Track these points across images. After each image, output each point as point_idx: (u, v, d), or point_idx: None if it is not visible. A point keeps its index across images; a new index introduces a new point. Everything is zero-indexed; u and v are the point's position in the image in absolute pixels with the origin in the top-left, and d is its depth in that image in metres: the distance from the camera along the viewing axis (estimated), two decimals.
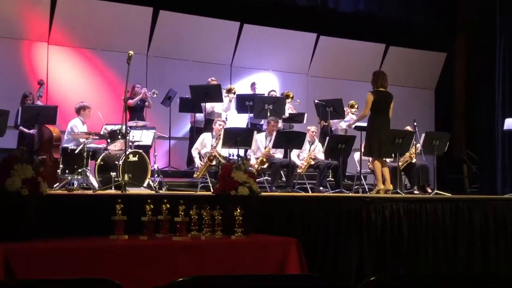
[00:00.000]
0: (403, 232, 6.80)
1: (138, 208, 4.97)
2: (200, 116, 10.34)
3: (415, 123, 9.46)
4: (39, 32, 10.63)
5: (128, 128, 8.05)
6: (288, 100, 10.72)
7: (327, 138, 9.38)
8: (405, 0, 13.13)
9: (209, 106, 10.11)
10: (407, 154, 9.57)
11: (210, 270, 4.59)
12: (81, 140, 8.60)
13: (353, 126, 9.39)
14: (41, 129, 8.73)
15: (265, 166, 9.12)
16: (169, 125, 10.54)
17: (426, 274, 6.37)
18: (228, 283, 2.55)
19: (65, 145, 8.77)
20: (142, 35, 11.36)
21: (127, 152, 7.57)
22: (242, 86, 11.80)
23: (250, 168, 5.93)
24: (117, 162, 7.88)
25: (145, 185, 7.88)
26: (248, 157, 9.09)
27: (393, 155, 8.76)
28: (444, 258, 7.03)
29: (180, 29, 11.63)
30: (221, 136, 8.64)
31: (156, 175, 8.87)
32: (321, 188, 9.26)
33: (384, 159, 8.45)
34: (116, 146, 8.26)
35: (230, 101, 10.27)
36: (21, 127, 8.94)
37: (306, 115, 10.90)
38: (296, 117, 10.80)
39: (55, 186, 7.92)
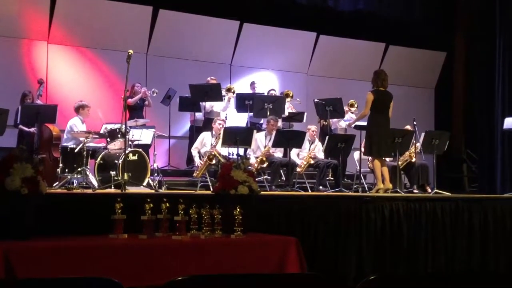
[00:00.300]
0: (402, 231, 6.80)
1: (138, 207, 4.97)
2: (199, 115, 10.35)
3: (414, 122, 9.46)
4: (39, 31, 10.63)
5: (128, 127, 8.05)
6: (288, 99, 10.72)
7: (327, 137, 9.38)
8: None
9: (208, 105, 10.11)
10: (407, 153, 9.57)
11: (209, 269, 4.59)
12: (81, 139, 8.59)
13: (353, 125, 9.39)
14: (41, 128, 8.73)
15: (264, 165, 9.13)
16: (169, 124, 10.54)
17: (426, 273, 6.38)
18: (228, 282, 2.55)
19: (65, 144, 8.77)
20: (142, 34, 11.36)
21: (127, 151, 7.56)
22: (241, 85, 11.80)
23: (249, 167, 5.93)
24: (116, 161, 7.87)
25: (144, 184, 7.88)
26: (248, 156, 9.09)
27: (392, 154, 8.76)
28: (444, 257, 7.03)
29: (180, 28, 11.63)
30: (221, 135, 8.64)
31: (155, 174, 8.88)
32: (320, 187, 9.26)
33: (383, 158, 8.45)
34: (115, 145, 8.26)
35: (229, 100, 10.27)
36: (20, 126, 8.94)
37: (305, 114, 10.91)
38: (296, 116, 10.80)
39: (54, 185, 7.92)
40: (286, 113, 10.45)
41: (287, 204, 6.29)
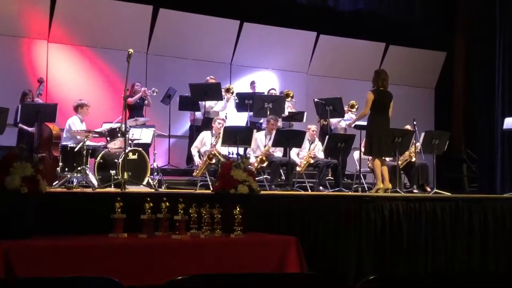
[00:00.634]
0: (402, 231, 6.80)
1: (138, 206, 4.97)
2: (199, 114, 10.35)
3: (414, 122, 9.46)
4: (39, 30, 10.63)
5: (128, 126, 8.05)
6: (288, 99, 10.72)
7: (327, 137, 9.38)
8: None
9: (207, 104, 10.11)
10: (407, 153, 9.57)
11: (209, 269, 4.59)
12: (79, 137, 8.59)
13: (353, 125, 9.39)
14: (41, 127, 8.73)
15: (264, 164, 9.13)
16: (169, 123, 10.54)
17: (425, 273, 6.38)
18: (227, 282, 2.55)
19: (65, 143, 8.77)
20: (142, 33, 11.35)
21: (127, 150, 7.56)
22: (241, 85, 11.81)
23: (249, 166, 5.93)
24: (116, 160, 7.87)
25: (144, 183, 7.88)
26: (248, 155, 9.09)
27: (392, 154, 8.76)
28: (443, 257, 7.03)
29: (180, 28, 11.63)
30: (221, 135, 8.64)
31: (155, 173, 8.88)
32: (320, 187, 9.26)
33: (383, 158, 8.45)
34: (115, 144, 8.25)
35: (228, 100, 10.26)
36: (20, 124, 8.94)
37: (305, 113, 10.90)
38: (296, 116, 10.80)
39: (54, 184, 7.92)
40: (286, 113, 10.45)
41: (287, 204, 6.28)
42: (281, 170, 9.38)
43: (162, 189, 7.89)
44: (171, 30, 11.56)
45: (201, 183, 8.87)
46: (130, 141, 8.25)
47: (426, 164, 9.87)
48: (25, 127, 8.95)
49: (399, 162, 9.08)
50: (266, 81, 12.06)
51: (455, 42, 13.77)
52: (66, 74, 10.89)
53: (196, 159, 9.26)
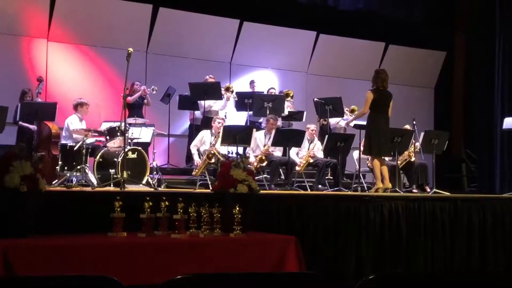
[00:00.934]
0: (401, 231, 6.80)
1: (137, 205, 4.97)
2: (199, 113, 10.35)
3: (414, 122, 9.46)
4: (39, 29, 10.63)
5: (127, 125, 8.05)
6: (288, 99, 10.72)
7: (326, 136, 9.38)
8: None
9: (207, 104, 10.11)
10: (406, 152, 9.58)
11: (208, 268, 4.59)
12: (75, 136, 8.58)
13: (352, 124, 9.39)
14: (40, 125, 8.73)
15: (264, 164, 9.13)
16: (168, 123, 10.54)
17: (425, 273, 6.38)
18: (227, 281, 2.55)
19: (64, 142, 8.77)
20: (142, 32, 11.35)
21: (126, 149, 7.56)
22: (241, 84, 11.80)
23: (249, 166, 5.93)
24: (116, 159, 7.87)
25: (144, 182, 7.88)
26: (247, 155, 9.09)
27: (392, 153, 8.76)
28: (443, 257, 7.03)
29: (179, 27, 11.62)
30: (220, 134, 8.64)
31: (155, 172, 8.87)
32: (320, 186, 9.26)
33: (383, 157, 8.45)
34: (115, 143, 8.25)
35: (228, 99, 10.26)
36: (20, 122, 8.93)
37: (305, 113, 10.91)
38: (295, 115, 10.80)
39: (54, 182, 7.91)
40: (286, 112, 10.45)
41: (286, 203, 6.28)
42: (280, 170, 9.38)
43: (162, 188, 7.88)
44: (171, 29, 11.55)
45: (201, 182, 8.87)
46: (129, 140, 8.25)
47: (426, 164, 9.88)
48: (26, 124, 8.94)
49: (399, 162, 9.09)
50: (266, 81, 12.06)
51: (455, 42, 13.78)
52: (66, 73, 10.88)
53: (196, 158, 9.26)
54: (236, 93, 10.39)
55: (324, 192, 8.64)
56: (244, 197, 5.21)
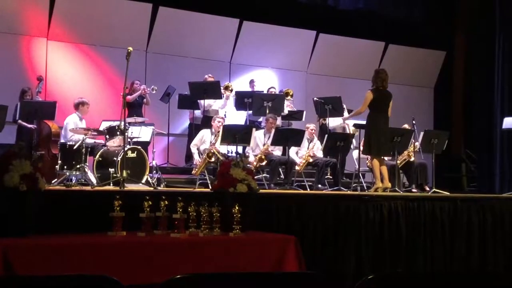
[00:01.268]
0: (401, 230, 6.80)
1: (136, 204, 4.97)
2: (199, 112, 10.35)
3: (414, 122, 9.46)
4: (38, 28, 10.62)
5: (127, 124, 8.04)
6: (287, 98, 10.71)
7: (326, 135, 9.37)
8: None
9: (206, 103, 10.10)
10: (406, 152, 9.57)
11: (208, 267, 4.59)
12: (76, 135, 8.58)
13: (347, 120, 9.39)
14: (40, 124, 8.72)
15: (263, 163, 9.12)
16: (168, 122, 10.54)
17: (424, 272, 6.38)
18: (226, 281, 2.55)
19: (64, 141, 8.77)
20: (142, 32, 11.35)
21: (126, 149, 7.56)
22: (241, 83, 11.80)
23: (248, 165, 5.93)
24: (115, 158, 7.87)
25: (143, 181, 7.88)
26: (247, 154, 9.09)
27: (391, 153, 8.76)
28: (442, 257, 7.03)
29: (179, 26, 11.62)
30: (220, 133, 8.64)
31: (154, 171, 8.87)
32: (319, 185, 9.26)
33: (382, 157, 8.45)
34: (114, 142, 8.25)
35: (227, 98, 10.26)
36: (19, 121, 8.93)
37: (305, 112, 10.91)
38: (295, 115, 10.80)
39: (53, 182, 7.91)
40: (285, 112, 10.45)
41: (286, 203, 6.28)
42: (280, 169, 9.37)
43: (161, 188, 7.88)
44: (171, 28, 11.55)
45: (200, 181, 8.86)
46: (129, 139, 8.25)
47: (425, 164, 9.87)
48: (25, 124, 8.94)
49: (398, 162, 9.08)
50: (266, 80, 12.06)
51: (455, 42, 13.78)
52: (65, 72, 10.88)
53: (195, 157, 9.26)
54: (236, 92, 10.38)
55: (324, 191, 8.64)
56: (244, 197, 5.21)
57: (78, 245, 4.39)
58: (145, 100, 10.29)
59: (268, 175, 9.25)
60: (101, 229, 4.82)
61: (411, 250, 6.85)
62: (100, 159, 8.09)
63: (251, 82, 11.41)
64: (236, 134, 8.50)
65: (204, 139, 9.26)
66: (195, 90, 9.82)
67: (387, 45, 13.45)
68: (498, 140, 11.71)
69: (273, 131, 9.25)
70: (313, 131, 10.09)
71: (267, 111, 9.62)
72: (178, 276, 2.44)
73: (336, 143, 9.07)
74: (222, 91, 10.10)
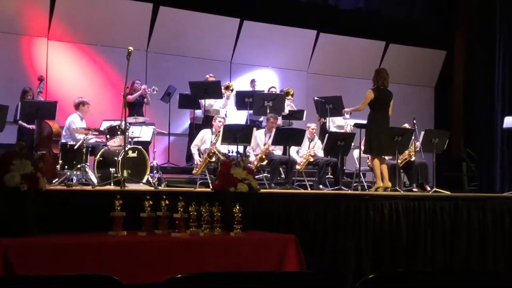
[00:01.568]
0: (401, 230, 6.80)
1: (137, 204, 4.97)
2: (199, 112, 10.35)
3: (414, 121, 9.46)
4: (39, 28, 10.63)
5: (128, 124, 8.05)
6: (288, 97, 10.71)
7: (326, 135, 9.38)
8: None
9: (207, 102, 10.11)
10: (406, 152, 9.57)
11: (208, 267, 4.60)
12: (79, 136, 8.58)
13: (347, 120, 9.39)
14: (41, 124, 8.73)
15: (264, 163, 9.12)
16: (169, 121, 10.54)
17: (425, 272, 6.37)
18: (227, 280, 2.55)
19: (64, 141, 8.77)
20: (142, 31, 11.35)
21: (126, 148, 7.56)
22: (241, 83, 11.80)
23: (249, 165, 5.94)
24: (116, 158, 7.87)
25: (144, 181, 7.88)
26: (248, 154, 9.10)
27: (392, 152, 8.76)
28: (443, 256, 7.03)
29: (180, 26, 11.62)
30: (221, 133, 8.64)
31: (155, 171, 8.87)
32: (320, 185, 9.26)
33: (383, 156, 8.45)
34: (115, 142, 8.25)
35: (228, 98, 10.25)
36: (20, 122, 8.94)
37: (305, 112, 10.91)
38: (296, 114, 10.80)
39: (54, 181, 7.92)
40: (286, 111, 10.45)
41: (286, 202, 6.28)
42: (280, 169, 9.37)
43: (162, 187, 7.89)
44: (171, 28, 11.55)
45: (201, 181, 8.87)
46: (129, 139, 8.25)
47: (426, 163, 9.87)
48: (25, 124, 8.95)
49: (399, 161, 9.08)
50: (266, 79, 12.06)
51: (455, 41, 13.77)
52: (66, 71, 10.88)
53: (196, 157, 9.26)
54: (237, 92, 10.38)
55: (325, 191, 8.64)
56: (244, 196, 5.21)
57: (78, 245, 4.40)
58: (145, 100, 10.29)
59: (268, 175, 9.25)
60: (102, 228, 4.83)
61: (412, 250, 6.85)
62: (101, 159, 8.10)
63: (252, 81, 11.41)
64: (237, 134, 8.50)
65: (205, 139, 9.27)
66: (195, 90, 9.82)
67: (388, 44, 13.45)
68: (499, 139, 11.71)
69: (273, 130, 9.25)
70: (314, 130, 10.09)
71: (268, 111, 9.62)
72: (179, 276, 2.44)
73: (337, 143, 9.07)
74: (223, 90, 10.10)
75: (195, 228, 4.99)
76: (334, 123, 10.46)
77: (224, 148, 9.09)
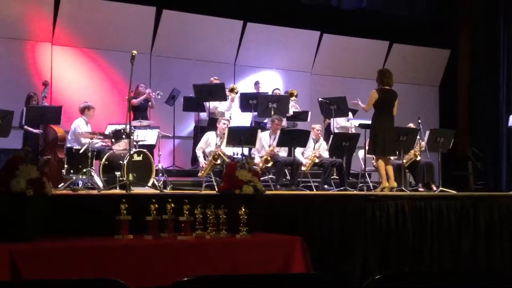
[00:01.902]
0: (407, 230, 6.78)
1: (143, 207, 4.97)
2: (204, 115, 10.35)
3: (419, 120, 9.45)
4: (43, 33, 10.66)
5: (132, 127, 8.06)
6: (292, 98, 10.71)
7: (331, 136, 9.37)
8: None
9: (212, 105, 10.12)
10: (412, 151, 9.56)
11: (215, 269, 4.59)
12: (84, 140, 8.60)
13: (352, 121, 9.41)
14: (46, 129, 8.75)
15: (269, 164, 9.12)
16: (173, 124, 10.55)
17: (431, 272, 6.36)
18: (233, 283, 2.55)
19: (70, 145, 8.79)
20: (146, 35, 11.37)
21: (132, 152, 7.57)
22: (245, 85, 11.81)
23: (254, 166, 5.94)
24: (121, 162, 7.88)
25: (149, 184, 7.89)
26: (253, 155, 9.09)
27: (397, 152, 8.74)
28: (449, 256, 7.01)
29: (183, 28, 11.63)
30: (226, 135, 8.64)
31: (160, 174, 8.88)
32: (325, 186, 9.25)
33: (388, 156, 8.43)
34: (120, 146, 8.27)
35: (232, 100, 10.26)
36: (25, 127, 8.96)
37: (310, 113, 10.90)
38: (300, 115, 10.80)
39: (60, 186, 7.93)
40: (291, 112, 10.44)
41: (292, 204, 6.28)
42: (286, 170, 9.37)
43: (167, 190, 7.89)
44: (175, 31, 11.57)
45: (206, 183, 8.86)
46: (134, 143, 8.26)
47: (431, 163, 9.85)
48: (31, 129, 8.98)
49: (404, 161, 9.07)
50: (270, 81, 12.06)
51: (459, 40, 13.74)
52: (70, 76, 10.91)
53: (201, 160, 9.26)
54: (241, 94, 10.39)
55: (330, 192, 8.63)
56: (250, 198, 5.21)
57: (85, 249, 4.40)
58: (150, 103, 10.31)
59: (274, 176, 9.25)
60: (108, 232, 4.83)
61: (418, 250, 6.83)
62: (106, 162, 8.11)
63: (256, 83, 11.41)
64: (242, 136, 8.50)
65: (209, 141, 9.27)
66: (200, 93, 9.82)
67: (392, 44, 13.43)
68: (504, 138, 11.70)
69: (278, 132, 9.25)
70: (319, 131, 10.09)
71: (272, 112, 9.62)
72: (185, 279, 2.44)
73: (342, 143, 9.06)
74: (228, 93, 10.10)
75: (201, 231, 4.98)
76: (338, 125, 10.45)
77: (229, 150, 9.09)
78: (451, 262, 6.99)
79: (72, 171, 8.25)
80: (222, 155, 8.81)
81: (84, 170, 8.10)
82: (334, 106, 9.78)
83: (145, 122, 9.26)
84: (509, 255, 7.33)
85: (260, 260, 4.85)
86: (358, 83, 12.44)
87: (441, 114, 14.05)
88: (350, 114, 10.46)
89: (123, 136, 8.18)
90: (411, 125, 9.66)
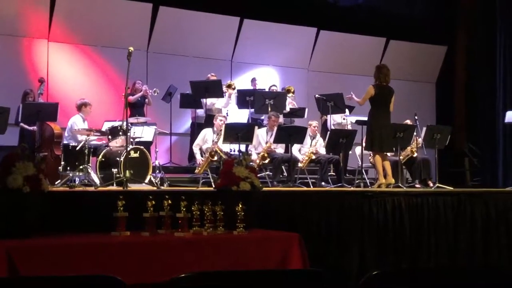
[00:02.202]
0: (404, 226, 6.79)
1: (140, 204, 4.97)
2: (201, 111, 10.34)
3: (416, 117, 9.45)
4: (39, 29, 10.63)
5: (129, 124, 8.05)
6: (289, 95, 10.71)
7: (328, 132, 9.37)
8: None
9: (209, 102, 10.11)
10: (408, 148, 9.57)
11: (212, 266, 4.60)
12: (81, 137, 8.59)
13: (348, 117, 9.39)
14: (42, 126, 8.73)
15: (266, 161, 9.13)
16: (170, 121, 10.55)
17: (428, 268, 6.37)
18: (230, 279, 2.55)
19: (66, 142, 8.77)
20: (142, 31, 11.35)
21: (128, 149, 7.56)
22: (242, 82, 11.80)
23: (251, 163, 5.93)
24: (118, 159, 7.88)
25: (146, 181, 7.88)
26: (249, 152, 9.09)
27: (394, 149, 8.75)
28: (446, 252, 7.02)
29: (180, 25, 11.62)
30: (222, 132, 8.64)
31: (157, 171, 8.87)
32: (322, 182, 9.26)
33: (385, 153, 8.44)
34: (117, 143, 8.26)
35: (229, 96, 10.26)
36: (21, 124, 8.94)
37: (307, 110, 10.90)
38: (297, 112, 10.80)
39: (56, 183, 7.91)
40: (287, 109, 10.44)
41: (289, 200, 6.28)
42: (283, 167, 9.37)
43: (164, 187, 7.89)
44: (171, 27, 11.55)
45: (203, 180, 8.87)
46: (131, 139, 8.25)
47: (428, 159, 9.87)
48: (26, 126, 8.96)
49: (401, 157, 9.07)
50: (267, 78, 12.05)
51: (456, 36, 13.75)
52: (67, 73, 10.89)
53: (198, 156, 9.26)
54: (238, 90, 10.39)
55: (327, 188, 8.64)
56: (247, 195, 5.21)
57: (82, 246, 4.40)
58: (147, 100, 10.29)
59: (271, 173, 9.25)
60: (105, 229, 4.83)
61: (415, 246, 6.84)
62: (103, 159, 8.10)
63: (253, 80, 11.41)
64: (238, 132, 8.49)
65: (206, 138, 9.27)
66: (196, 89, 9.82)
67: (388, 40, 13.44)
68: (501, 134, 11.71)
69: (275, 128, 9.25)
70: (316, 128, 10.09)
71: (269, 109, 9.63)
72: (182, 275, 2.44)
73: (339, 140, 9.06)
74: (225, 89, 10.10)
75: (198, 227, 4.99)
76: (334, 121, 10.46)
77: (226, 147, 9.09)
78: (448, 258, 7.00)
79: (68, 168, 8.23)
80: (219, 151, 8.81)
81: (81, 167, 8.09)
82: (331, 103, 9.79)
83: (142, 119, 9.24)
84: (506, 251, 7.34)
85: (258, 257, 4.86)
86: (355, 80, 12.44)
87: (437, 111, 14.07)
88: (347, 110, 10.47)
89: (120, 133, 8.17)
90: (408, 121, 9.67)
